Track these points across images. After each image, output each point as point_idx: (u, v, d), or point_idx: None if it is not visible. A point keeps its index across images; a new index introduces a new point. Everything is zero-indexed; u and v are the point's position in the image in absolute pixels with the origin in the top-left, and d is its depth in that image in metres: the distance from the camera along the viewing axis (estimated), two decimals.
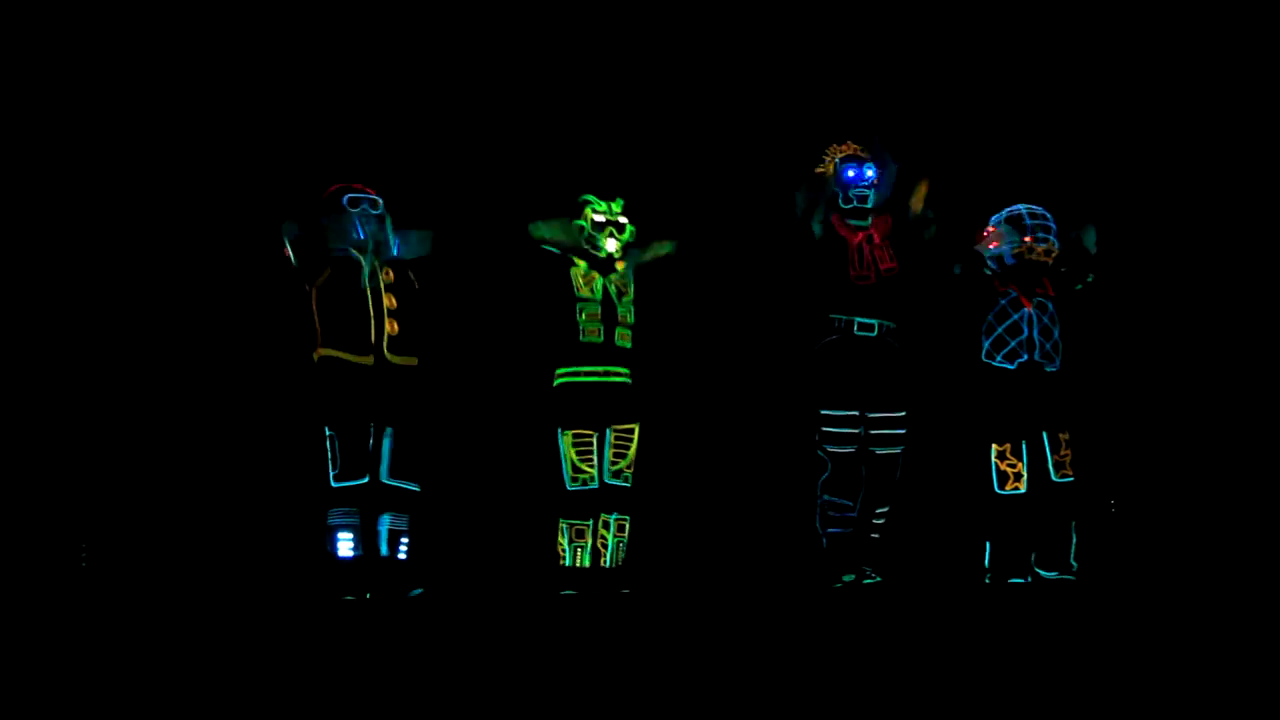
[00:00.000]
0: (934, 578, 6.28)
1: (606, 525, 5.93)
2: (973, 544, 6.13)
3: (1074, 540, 6.05)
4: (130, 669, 4.08)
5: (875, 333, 6.00)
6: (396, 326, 5.71)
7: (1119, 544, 6.69)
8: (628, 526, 5.96)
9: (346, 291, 5.69)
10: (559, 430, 5.92)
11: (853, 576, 5.93)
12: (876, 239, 6.06)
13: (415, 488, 5.74)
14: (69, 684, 3.85)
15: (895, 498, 6.05)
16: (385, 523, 5.71)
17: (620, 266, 6.05)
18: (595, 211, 6.05)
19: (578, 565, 5.89)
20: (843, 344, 5.99)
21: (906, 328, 6.11)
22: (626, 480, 5.95)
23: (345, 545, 5.62)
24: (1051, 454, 6.06)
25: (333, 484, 5.64)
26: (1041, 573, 6.02)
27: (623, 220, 6.05)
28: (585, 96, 7.10)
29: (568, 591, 5.87)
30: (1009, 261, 6.15)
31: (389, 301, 5.72)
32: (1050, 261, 6.14)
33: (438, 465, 5.93)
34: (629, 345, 5.99)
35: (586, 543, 5.90)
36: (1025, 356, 6.06)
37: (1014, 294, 6.11)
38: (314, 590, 5.69)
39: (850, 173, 6.09)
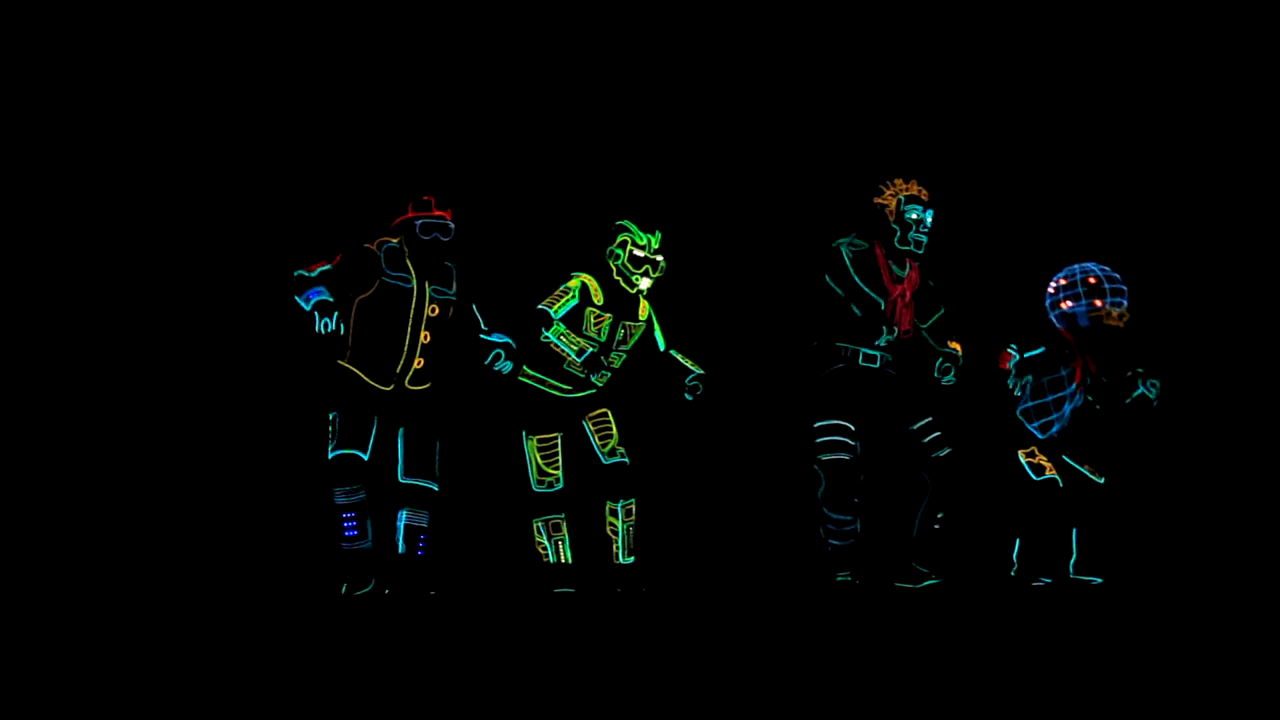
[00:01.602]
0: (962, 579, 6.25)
1: (614, 513, 5.94)
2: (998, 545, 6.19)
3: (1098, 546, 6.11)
4: (135, 665, 4.05)
5: (877, 364, 5.97)
6: (424, 362, 5.71)
7: (1147, 548, 6.74)
8: (634, 510, 5.96)
9: (389, 320, 5.67)
10: (523, 434, 5.96)
11: (848, 575, 5.90)
12: (908, 296, 6.03)
13: (433, 486, 5.73)
14: (80, 682, 3.82)
15: (950, 502, 6.00)
16: (403, 518, 5.72)
17: (642, 315, 6.04)
18: (635, 245, 5.95)
19: (563, 561, 5.90)
20: (847, 373, 5.96)
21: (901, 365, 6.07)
22: (624, 455, 5.94)
23: (352, 531, 5.58)
24: (1082, 465, 6.10)
25: (329, 455, 5.60)
26: (1080, 576, 6.07)
27: (659, 258, 5.97)
28: (616, 119, 7.10)
29: (563, 590, 5.87)
30: (1083, 324, 6.08)
31: (425, 337, 5.70)
32: (1122, 325, 6.05)
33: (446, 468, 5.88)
34: (601, 384, 6.00)
35: (564, 535, 5.93)
36: (1055, 429, 6.09)
37: (1073, 368, 6.07)
38: (321, 585, 5.72)
39: (914, 215, 5.95)
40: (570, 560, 5.96)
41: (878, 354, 5.99)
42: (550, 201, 6.91)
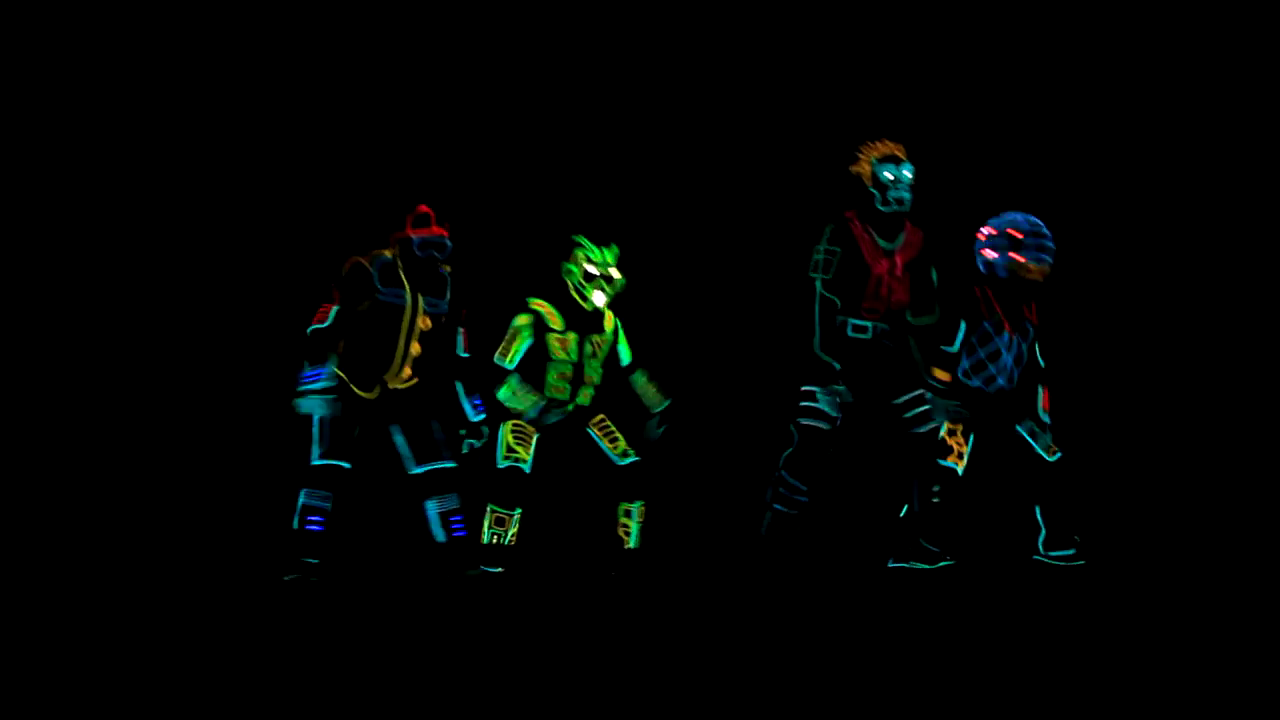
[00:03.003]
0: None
1: (629, 514, 6.09)
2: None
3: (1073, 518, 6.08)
4: (116, 658, 4.13)
5: (869, 334, 5.91)
6: (410, 371, 5.80)
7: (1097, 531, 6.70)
8: (644, 512, 6.10)
9: (381, 333, 5.74)
10: (501, 425, 6.04)
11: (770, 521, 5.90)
12: (899, 269, 5.90)
13: (450, 465, 5.81)
14: (66, 673, 3.88)
15: (941, 475, 5.95)
16: (432, 508, 5.81)
17: (608, 326, 6.11)
18: (589, 260, 6.03)
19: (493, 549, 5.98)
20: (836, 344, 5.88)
21: (897, 333, 6.02)
22: (636, 455, 6.09)
23: (313, 524, 5.66)
24: (1037, 442, 6.10)
25: (313, 462, 5.67)
26: (1051, 554, 6.06)
27: (614, 273, 6.04)
28: (571, 124, 7.15)
29: (494, 569, 5.91)
30: (1001, 275, 6.04)
31: (415, 349, 5.79)
32: (1043, 280, 6.03)
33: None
34: (588, 403, 6.13)
35: (507, 531, 5.98)
36: (1001, 382, 6.09)
37: (998, 316, 6.04)
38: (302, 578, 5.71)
39: (888, 174, 5.81)
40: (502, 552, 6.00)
41: (869, 324, 5.89)
42: (525, 213, 6.99)
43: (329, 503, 5.67)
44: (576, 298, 6.04)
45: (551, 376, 6.05)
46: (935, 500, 5.93)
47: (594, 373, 6.09)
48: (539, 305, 6.06)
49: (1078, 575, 5.88)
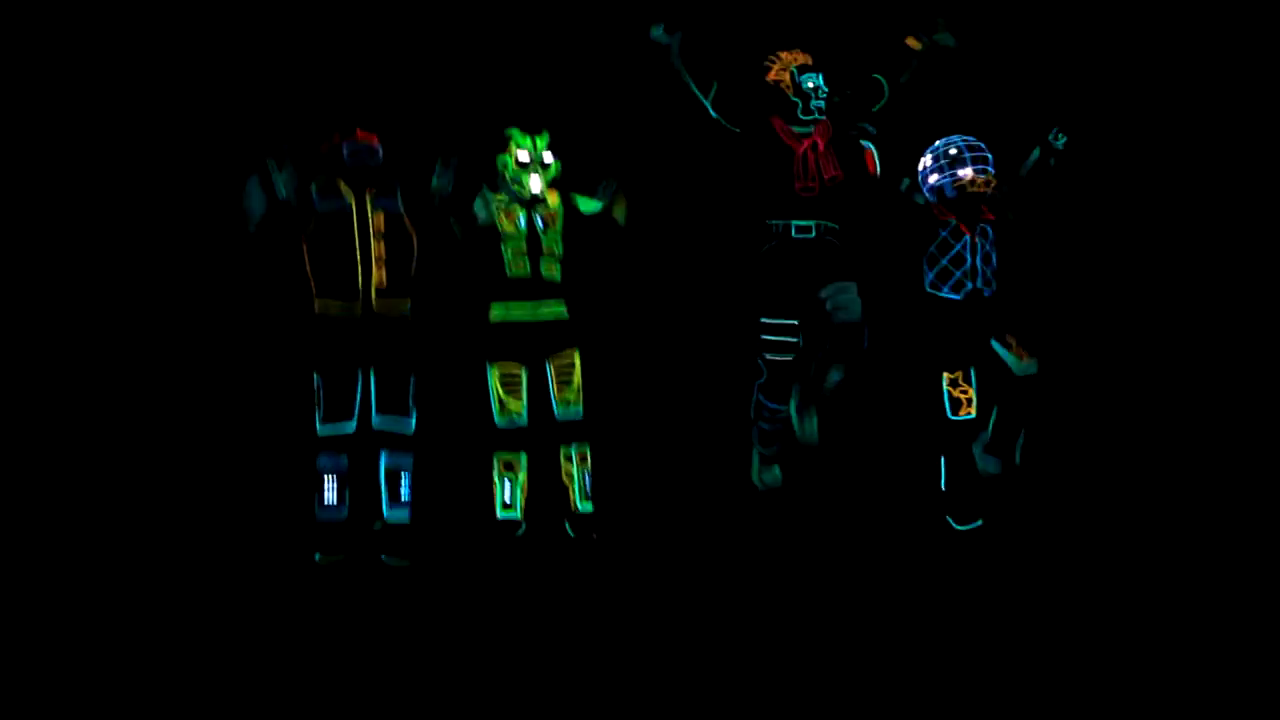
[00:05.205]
0: (887, 509, 6.30)
1: (569, 458, 5.99)
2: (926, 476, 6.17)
3: (1021, 438, 6.08)
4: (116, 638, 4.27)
5: (814, 234, 5.94)
6: (385, 276, 5.80)
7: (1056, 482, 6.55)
8: (589, 455, 6.01)
9: (336, 240, 5.77)
10: (487, 364, 5.99)
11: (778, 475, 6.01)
12: (820, 146, 5.97)
13: (407, 430, 5.81)
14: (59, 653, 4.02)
15: (852, 362, 5.93)
16: (383, 459, 5.80)
17: (553, 202, 6.09)
18: (519, 148, 6.06)
19: (507, 502, 5.95)
20: (781, 249, 5.93)
21: (848, 230, 6.03)
22: (578, 411, 6.02)
23: (330, 494, 5.69)
24: (1008, 351, 6.05)
25: (318, 428, 5.72)
26: (982, 455, 6.08)
27: (548, 158, 6.08)
28: (504, 21, 6.94)
29: (510, 522, 5.94)
30: (950, 195, 6.13)
31: (378, 250, 5.79)
32: (989, 191, 6.12)
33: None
34: (557, 278, 6.03)
35: (518, 475, 5.96)
36: (970, 285, 6.11)
37: (954, 223, 6.12)
38: (299, 549, 5.76)
39: (811, 83, 5.94)
40: (518, 501, 5.99)
41: (812, 224, 5.95)
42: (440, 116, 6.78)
43: (344, 461, 5.73)
44: (515, 188, 6.06)
45: (509, 255, 6.03)
46: (826, 387, 5.90)
47: (553, 244, 6.05)
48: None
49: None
